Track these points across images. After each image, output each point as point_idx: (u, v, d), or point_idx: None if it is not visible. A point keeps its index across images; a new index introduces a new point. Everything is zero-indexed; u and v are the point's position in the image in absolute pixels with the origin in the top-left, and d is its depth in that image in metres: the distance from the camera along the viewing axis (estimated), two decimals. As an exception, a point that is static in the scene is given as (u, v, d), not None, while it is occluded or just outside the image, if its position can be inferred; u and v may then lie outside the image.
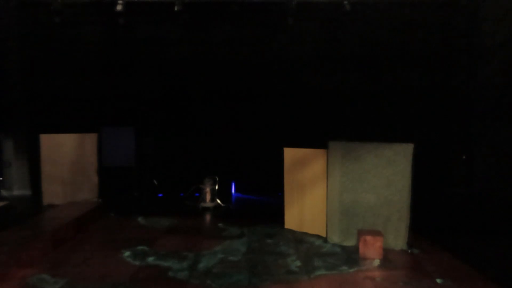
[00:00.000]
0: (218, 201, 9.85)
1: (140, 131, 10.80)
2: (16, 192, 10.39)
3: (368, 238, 6.44)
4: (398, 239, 6.84)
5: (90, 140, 9.43)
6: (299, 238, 7.40)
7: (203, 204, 9.67)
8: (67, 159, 9.17)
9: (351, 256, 6.48)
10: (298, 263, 6.19)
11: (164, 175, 10.92)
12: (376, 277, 5.71)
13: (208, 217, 9.11)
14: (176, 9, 8.46)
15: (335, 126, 9.89)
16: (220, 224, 8.30)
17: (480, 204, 8.44)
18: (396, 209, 6.85)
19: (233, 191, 11.15)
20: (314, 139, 7.58)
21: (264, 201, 10.41)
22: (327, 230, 7.23)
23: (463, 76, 9.64)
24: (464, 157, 9.75)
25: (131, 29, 10.20)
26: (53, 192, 9.06)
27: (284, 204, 8.04)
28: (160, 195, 10.87)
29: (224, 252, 6.60)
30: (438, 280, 5.56)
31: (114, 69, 10.47)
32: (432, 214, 8.36)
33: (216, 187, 9.91)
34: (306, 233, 7.63)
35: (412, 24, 9.58)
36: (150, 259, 6.20)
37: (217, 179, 10.01)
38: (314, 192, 7.52)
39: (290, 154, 7.91)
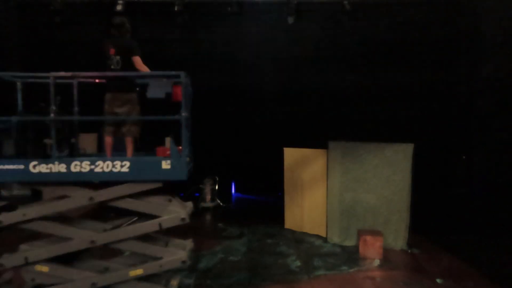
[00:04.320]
0: (218, 201, 9.86)
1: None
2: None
3: (368, 238, 6.44)
4: (398, 239, 6.84)
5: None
6: (299, 238, 7.40)
7: (203, 204, 9.67)
8: (67, 159, 9.16)
9: (351, 256, 6.49)
10: (298, 263, 6.19)
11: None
12: (376, 277, 5.72)
13: (208, 217, 9.11)
14: (176, 9, 8.46)
15: (335, 126, 9.88)
16: (220, 224, 8.30)
17: (480, 204, 8.43)
18: (396, 209, 6.86)
19: (233, 191, 11.15)
20: (314, 139, 7.58)
21: (264, 201, 10.41)
22: (327, 230, 7.23)
23: (463, 76, 9.62)
24: (464, 157, 9.74)
25: (131, 29, 10.18)
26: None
27: (284, 204, 8.05)
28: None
29: (224, 252, 6.60)
30: (438, 280, 5.56)
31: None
32: (432, 214, 8.36)
33: (216, 187, 9.91)
34: (306, 233, 7.63)
35: (412, 24, 9.56)
36: (150, 259, 6.20)
37: (217, 179, 10.01)
38: (314, 192, 7.52)
39: (290, 154, 7.91)
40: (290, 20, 8.95)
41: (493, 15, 8.63)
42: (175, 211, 4.36)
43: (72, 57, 10.34)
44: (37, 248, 4.42)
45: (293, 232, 7.77)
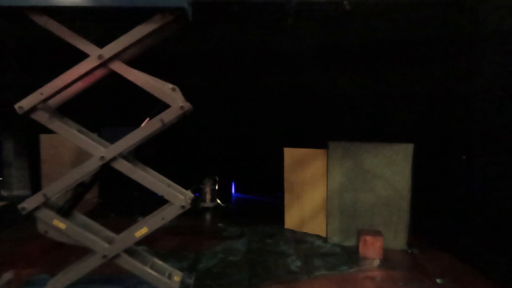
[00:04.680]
0: (218, 201, 9.85)
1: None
2: (16, 192, 10.38)
3: (368, 238, 6.44)
4: (398, 239, 6.85)
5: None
6: (299, 238, 7.40)
7: (203, 204, 9.67)
8: (67, 159, 9.17)
9: (351, 256, 6.49)
10: (298, 263, 6.19)
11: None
12: (376, 277, 5.72)
13: (208, 217, 9.11)
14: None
15: (335, 126, 9.89)
16: (220, 224, 8.30)
17: (480, 204, 8.43)
18: (396, 209, 6.86)
19: (233, 191, 11.15)
20: (314, 139, 7.58)
21: (264, 201, 10.41)
22: (327, 230, 7.23)
23: (463, 76, 9.62)
24: (464, 157, 9.74)
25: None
26: (53, 192, 9.04)
27: (284, 204, 8.05)
28: (160, 195, 10.85)
29: (224, 252, 6.60)
30: (438, 280, 5.56)
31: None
32: (432, 214, 8.36)
33: (216, 187, 9.91)
34: (306, 233, 7.64)
35: (412, 24, 9.55)
36: (150, 259, 6.20)
37: (217, 179, 10.01)
38: (314, 192, 7.52)
39: (290, 154, 7.91)
40: (290, 20, 8.94)
41: (493, 15, 8.63)
42: (177, 99, 4.51)
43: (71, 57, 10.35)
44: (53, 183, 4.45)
45: (293, 232, 7.77)
